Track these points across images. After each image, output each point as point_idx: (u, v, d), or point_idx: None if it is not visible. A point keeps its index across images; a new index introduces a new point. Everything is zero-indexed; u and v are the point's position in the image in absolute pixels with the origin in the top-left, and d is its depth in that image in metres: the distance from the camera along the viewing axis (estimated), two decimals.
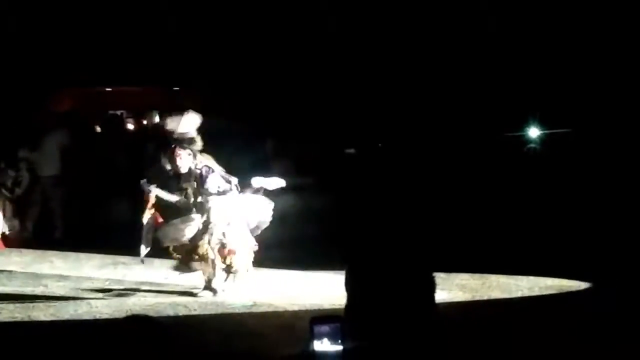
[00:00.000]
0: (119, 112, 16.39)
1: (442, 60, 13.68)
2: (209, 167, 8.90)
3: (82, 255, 11.31)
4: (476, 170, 12.98)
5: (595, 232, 10.80)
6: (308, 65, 13.91)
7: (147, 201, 8.90)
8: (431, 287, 2.72)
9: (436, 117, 13.44)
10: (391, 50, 13.44)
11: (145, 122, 16.29)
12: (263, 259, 9.63)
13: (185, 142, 8.93)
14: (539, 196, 12.55)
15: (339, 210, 11.78)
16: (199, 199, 8.86)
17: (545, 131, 14.25)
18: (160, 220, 8.97)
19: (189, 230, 8.80)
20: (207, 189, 8.82)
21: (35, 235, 12.93)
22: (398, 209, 11.48)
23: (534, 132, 14.41)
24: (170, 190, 8.93)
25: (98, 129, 14.98)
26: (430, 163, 12.90)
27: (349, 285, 2.69)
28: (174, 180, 8.97)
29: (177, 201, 8.90)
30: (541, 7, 13.63)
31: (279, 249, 10.22)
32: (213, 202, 8.81)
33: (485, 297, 9.08)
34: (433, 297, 2.71)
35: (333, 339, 2.37)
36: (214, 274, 8.86)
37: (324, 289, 8.83)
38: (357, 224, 10.89)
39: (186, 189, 8.89)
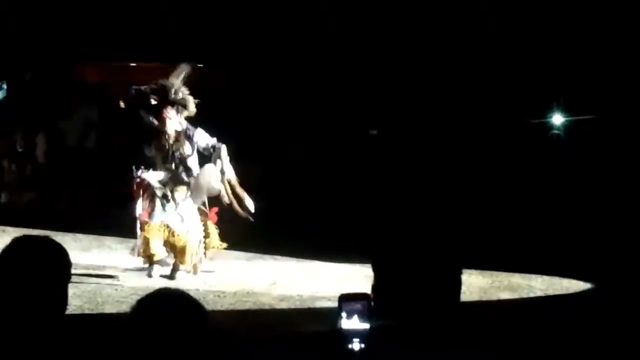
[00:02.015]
0: (142, 88, 16.37)
1: (466, 43, 13.59)
2: (193, 126, 8.60)
3: (100, 233, 11.10)
4: (498, 158, 12.85)
5: (619, 228, 10.50)
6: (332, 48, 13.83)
7: (137, 189, 8.58)
8: (458, 268, 2.74)
9: (457, 103, 13.35)
10: (413, 33, 13.36)
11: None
12: (284, 249, 9.61)
13: (178, 102, 8.59)
14: (562, 186, 12.37)
15: (364, 194, 11.68)
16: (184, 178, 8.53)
17: (570, 118, 14.16)
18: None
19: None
20: (195, 143, 8.50)
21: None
22: (423, 192, 11.43)
23: (557, 118, 14.34)
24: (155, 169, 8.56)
25: (122, 105, 14.99)
26: (451, 149, 12.81)
27: (376, 265, 2.71)
28: (159, 158, 8.59)
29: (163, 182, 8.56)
30: None
31: (300, 239, 10.16)
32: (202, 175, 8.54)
33: (506, 282, 9.10)
34: (459, 280, 2.73)
35: (362, 317, 2.39)
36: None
37: (343, 278, 8.81)
38: (384, 205, 10.85)
39: (170, 168, 8.53)
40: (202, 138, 8.59)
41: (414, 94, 13.23)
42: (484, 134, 13.21)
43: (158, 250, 8.58)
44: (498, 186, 12.15)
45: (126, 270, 8.92)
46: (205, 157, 8.70)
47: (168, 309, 2.35)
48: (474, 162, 12.60)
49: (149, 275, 8.59)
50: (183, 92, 8.63)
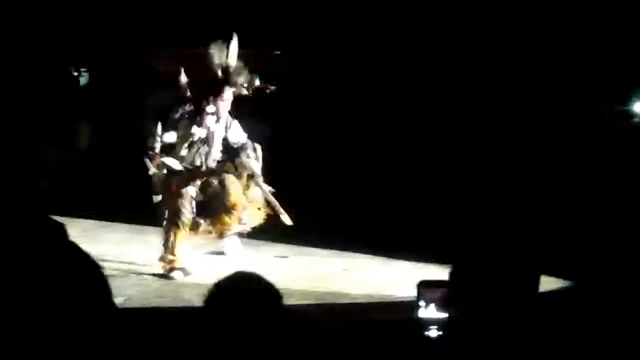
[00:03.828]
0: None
1: (544, 30, 13.33)
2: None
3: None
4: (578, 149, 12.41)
5: None
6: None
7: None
8: (537, 262, 2.72)
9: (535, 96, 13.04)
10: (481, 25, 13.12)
11: None
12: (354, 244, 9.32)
13: (236, 77, 7.99)
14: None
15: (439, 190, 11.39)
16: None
17: None
18: None
19: None
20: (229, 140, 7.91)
21: None
22: (504, 186, 11.24)
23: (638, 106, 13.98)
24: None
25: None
26: (530, 144, 12.46)
27: (456, 256, 2.70)
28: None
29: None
30: None
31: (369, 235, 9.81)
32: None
33: None
34: (538, 273, 2.70)
35: (440, 305, 2.37)
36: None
37: (415, 270, 8.55)
38: (467, 200, 10.66)
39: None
40: (236, 133, 8.04)
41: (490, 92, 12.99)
42: (562, 128, 12.85)
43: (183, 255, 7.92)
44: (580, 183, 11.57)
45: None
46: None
47: (245, 291, 2.39)
48: (555, 158, 12.16)
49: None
50: (243, 73, 8.10)
